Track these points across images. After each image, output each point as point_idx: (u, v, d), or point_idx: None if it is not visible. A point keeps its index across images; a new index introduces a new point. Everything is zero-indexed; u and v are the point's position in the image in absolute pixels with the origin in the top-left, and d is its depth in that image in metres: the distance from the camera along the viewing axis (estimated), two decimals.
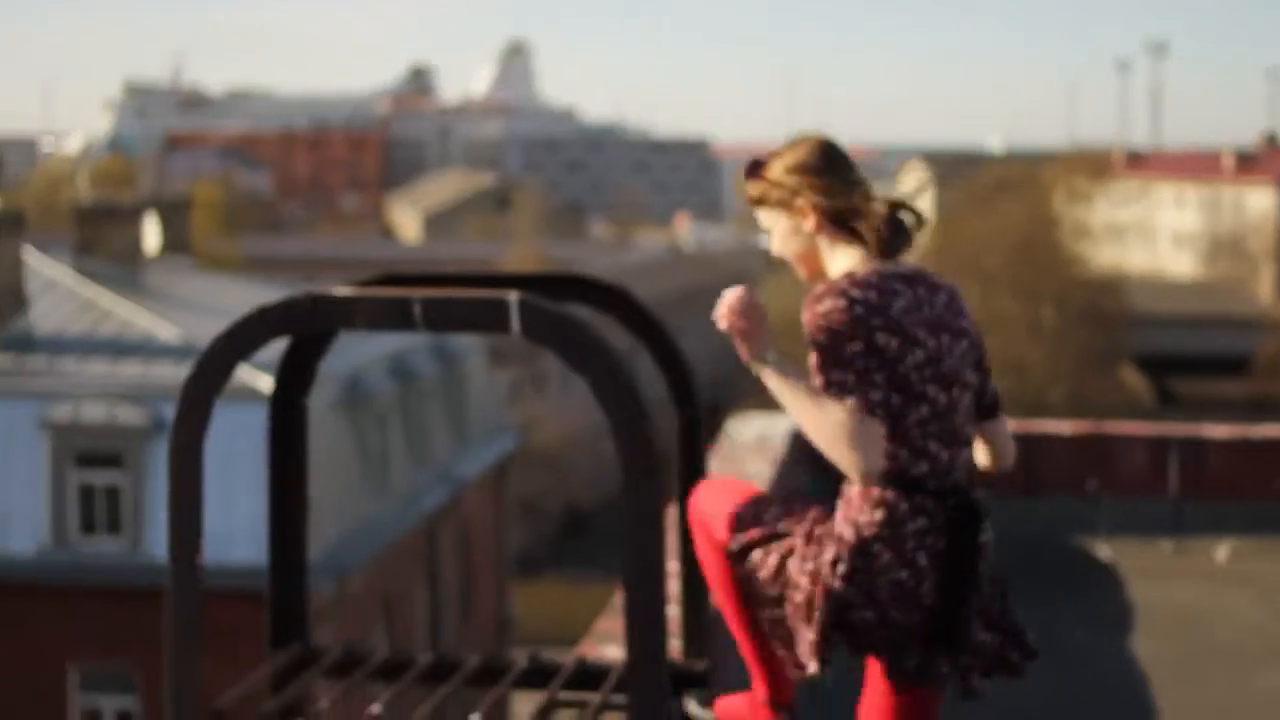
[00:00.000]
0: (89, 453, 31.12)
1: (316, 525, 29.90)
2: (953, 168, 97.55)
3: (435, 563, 37.40)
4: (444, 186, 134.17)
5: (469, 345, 41.68)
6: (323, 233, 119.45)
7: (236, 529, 28.99)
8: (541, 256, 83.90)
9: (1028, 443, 10.01)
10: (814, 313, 4.40)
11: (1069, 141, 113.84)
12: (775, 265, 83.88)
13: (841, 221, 4.61)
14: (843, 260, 4.60)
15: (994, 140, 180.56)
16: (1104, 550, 10.15)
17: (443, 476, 38.21)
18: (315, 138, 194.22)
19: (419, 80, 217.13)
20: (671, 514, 5.32)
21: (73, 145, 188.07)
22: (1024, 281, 62.71)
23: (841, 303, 4.39)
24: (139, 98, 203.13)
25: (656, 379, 5.22)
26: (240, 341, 4.58)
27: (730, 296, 4.51)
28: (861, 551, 4.38)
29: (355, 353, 34.10)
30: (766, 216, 4.73)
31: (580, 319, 4.60)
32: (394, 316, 4.55)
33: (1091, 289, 68.02)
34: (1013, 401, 57.22)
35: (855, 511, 4.45)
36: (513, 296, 4.46)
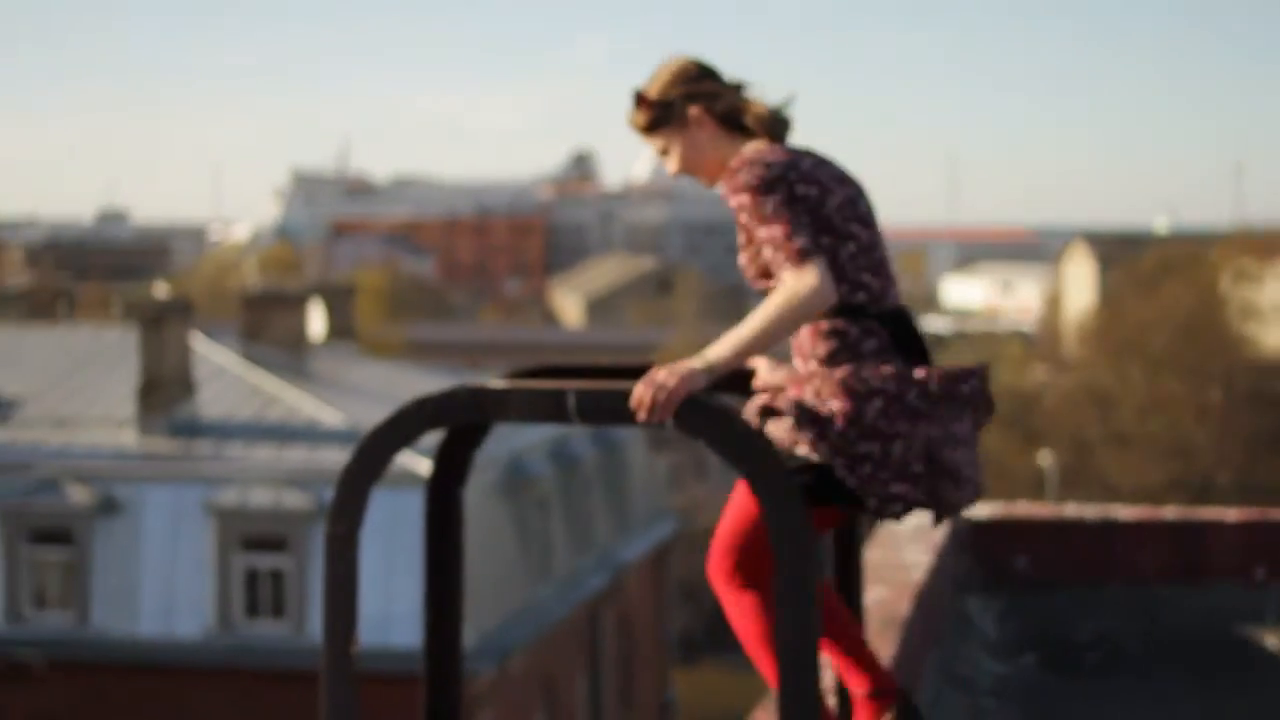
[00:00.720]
0: (254, 537, 31.45)
1: (477, 608, 30.01)
2: (1116, 249, 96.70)
3: (596, 646, 37.38)
4: (606, 271, 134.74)
5: (630, 430, 41.72)
6: (486, 318, 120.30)
7: (396, 612, 29.17)
8: (703, 340, 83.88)
9: (1191, 530, 9.87)
10: (734, 184, 4.73)
11: (1236, 221, 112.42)
12: (939, 348, 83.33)
13: (731, 119, 4.94)
14: (744, 152, 4.86)
15: (1159, 221, 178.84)
16: (1272, 641, 9.96)
17: (603, 560, 38.24)
18: (479, 223, 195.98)
19: (581, 165, 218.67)
20: None
21: (241, 233, 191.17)
22: (1190, 363, 61.86)
23: (757, 168, 4.72)
24: (306, 185, 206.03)
25: None
26: (397, 433, 4.61)
27: (640, 395, 4.47)
28: (838, 383, 4.58)
29: (516, 437, 34.27)
30: (661, 139, 4.99)
31: (733, 410, 4.59)
32: (548, 409, 4.56)
33: (1260, 370, 66.99)
34: (1180, 485, 56.48)
35: (810, 348, 4.74)
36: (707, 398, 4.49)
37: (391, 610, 29.24)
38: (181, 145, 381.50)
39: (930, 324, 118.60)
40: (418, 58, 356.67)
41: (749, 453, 4.43)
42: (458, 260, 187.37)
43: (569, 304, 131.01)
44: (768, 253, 4.67)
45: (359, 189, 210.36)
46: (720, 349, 4.55)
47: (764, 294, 4.80)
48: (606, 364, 5.19)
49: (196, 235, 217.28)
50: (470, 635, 30.23)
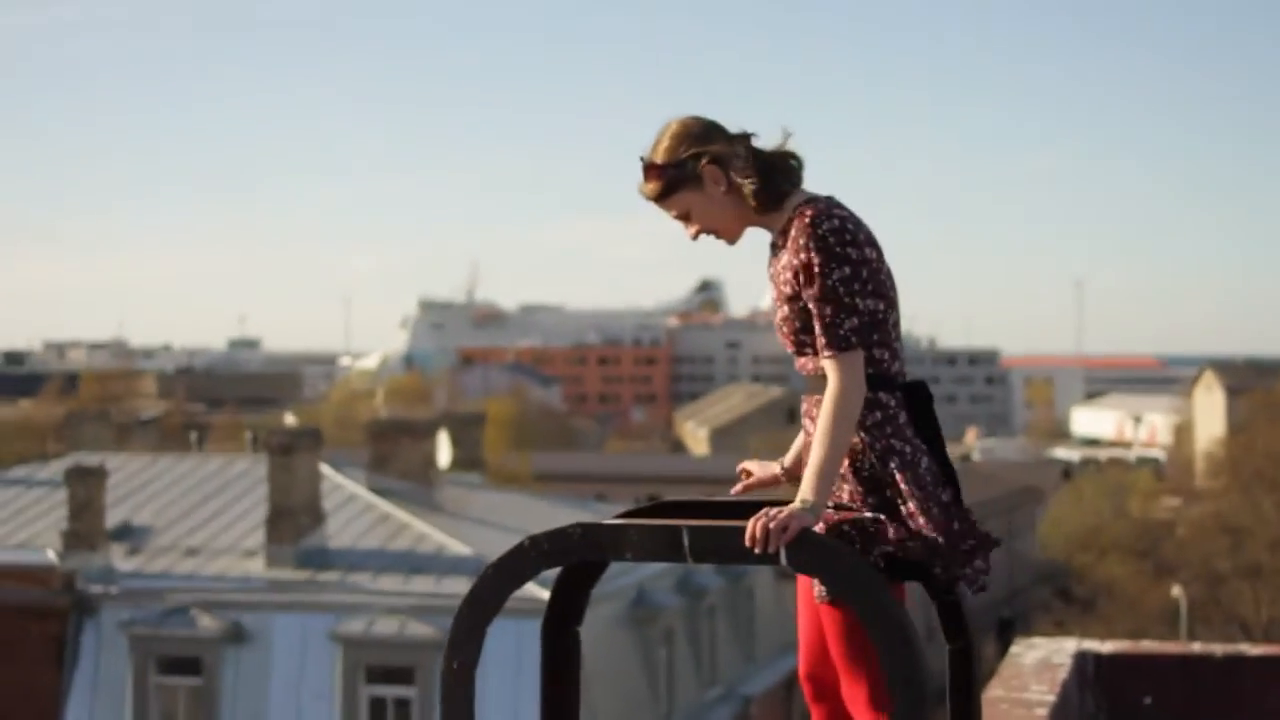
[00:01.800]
0: (380, 667, 31.52)
1: None
2: (1246, 378, 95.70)
3: None
4: (732, 400, 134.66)
5: None
6: (612, 447, 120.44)
7: None
8: None
9: None
10: (820, 232, 4.71)
11: None
12: (1068, 479, 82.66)
13: (749, 172, 4.87)
14: (764, 205, 4.88)
15: None
16: None
17: (729, 693, 38.03)
18: (605, 353, 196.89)
19: (707, 294, 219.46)
20: None
21: (370, 362, 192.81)
22: None
23: (843, 215, 4.75)
24: (434, 314, 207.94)
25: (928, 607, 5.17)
26: (513, 570, 4.66)
27: (758, 532, 4.49)
28: (885, 457, 4.74)
29: (642, 566, 34.23)
30: (676, 203, 4.93)
31: (841, 547, 4.60)
32: (663, 547, 4.60)
33: None
34: None
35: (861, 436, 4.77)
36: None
37: None
38: (313, 275, 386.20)
39: (1060, 454, 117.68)
40: (546, 187, 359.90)
41: (859, 587, 4.46)
42: (584, 389, 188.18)
43: (695, 433, 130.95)
44: (815, 321, 4.74)
45: (487, 318, 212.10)
46: (813, 487, 4.59)
47: (792, 353, 4.89)
48: (719, 499, 5.21)
49: (327, 364, 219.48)
50: None
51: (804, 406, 4.96)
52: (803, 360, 4.88)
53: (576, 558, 4.72)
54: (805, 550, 4.49)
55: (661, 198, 4.92)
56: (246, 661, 32.00)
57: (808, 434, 4.92)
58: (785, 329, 4.86)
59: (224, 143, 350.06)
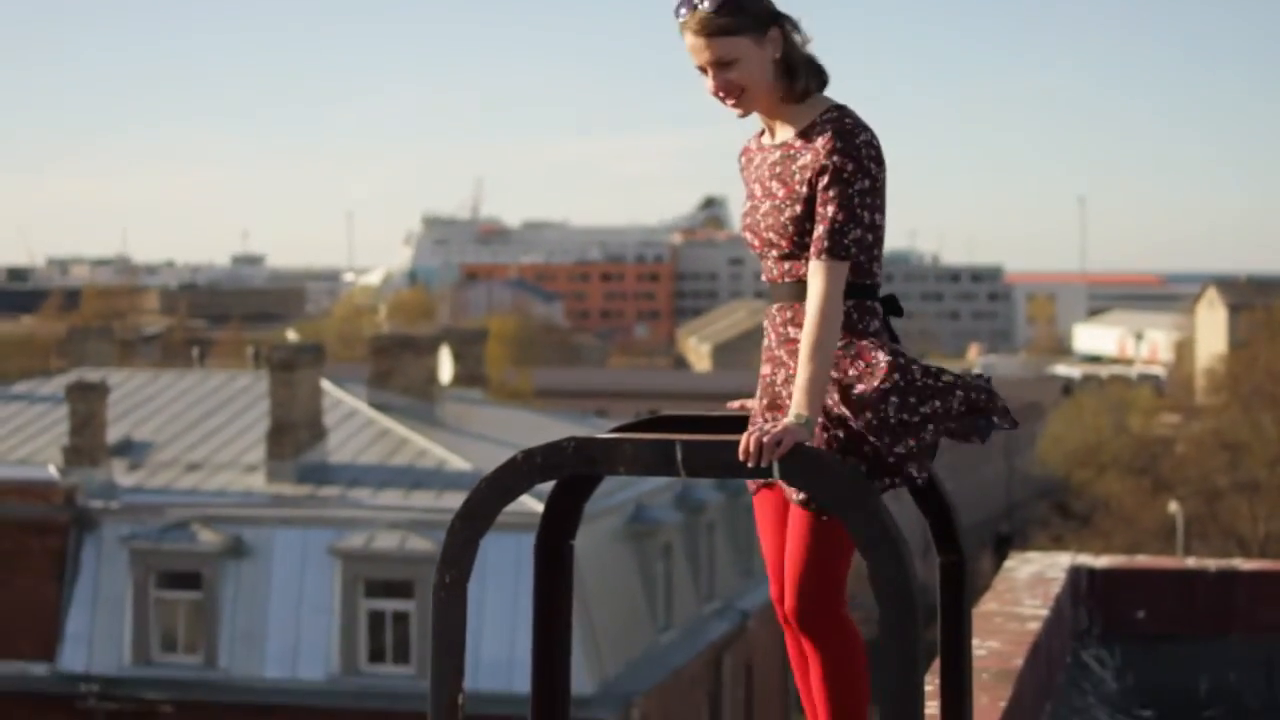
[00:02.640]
0: (380, 581, 31.65)
1: (600, 654, 30.03)
2: (1249, 295, 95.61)
3: (718, 694, 37.31)
4: (734, 316, 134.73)
5: None
6: (614, 363, 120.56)
7: (520, 658, 29.18)
8: None
9: None
10: (858, 141, 4.72)
11: None
12: (1068, 395, 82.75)
13: (790, 56, 4.84)
14: (793, 93, 4.84)
15: None
16: None
17: (727, 608, 38.18)
18: (609, 269, 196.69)
19: (711, 210, 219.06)
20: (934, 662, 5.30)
21: (373, 278, 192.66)
22: None
23: (870, 138, 4.75)
24: (438, 230, 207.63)
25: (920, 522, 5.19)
26: (505, 484, 4.67)
27: (751, 445, 4.51)
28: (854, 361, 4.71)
29: (641, 483, 34.30)
30: (730, 46, 4.77)
31: (831, 457, 4.62)
32: (656, 461, 4.61)
33: None
34: None
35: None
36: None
37: (515, 656, 29.32)
38: (316, 191, 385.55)
39: (1061, 370, 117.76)
40: (550, 103, 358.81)
41: (851, 497, 4.48)
42: (587, 306, 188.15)
43: (698, 349, 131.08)
44: (820, 223, 4.70)
45: (490, 234, 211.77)
46: (805, 400, 4.58)
47: (770, 254, 4.86)
48: (714, 414, 5.22)
49: (330, 280, 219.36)
50: (592, 681, 30.27)
51: (776, 319, 4.91)
52: (784, 265, 4.83)
53: (569, 472, 4.73)
54: (799, 463, 4.50)
55: (721, 33, 4.75)
56: (246, 576, 32.13)
57: (779, 347, 4.89)
58: (789, 228, 4.77)
59: (227, 59, 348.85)
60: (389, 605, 31.55)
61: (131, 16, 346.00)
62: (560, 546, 5.09)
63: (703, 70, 4.82)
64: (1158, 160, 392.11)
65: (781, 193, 4.81)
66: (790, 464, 4.49)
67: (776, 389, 4.87)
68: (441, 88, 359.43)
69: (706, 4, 4.74)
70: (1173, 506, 55.25)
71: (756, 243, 4.90)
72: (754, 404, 5.00)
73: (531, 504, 29.86)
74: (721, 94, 4.82)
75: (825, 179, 4.70)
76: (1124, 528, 56.83)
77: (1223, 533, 56.37)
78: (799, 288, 4.78)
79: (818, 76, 4.86)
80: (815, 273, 4.69)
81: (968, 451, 72.20)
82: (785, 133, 4.88)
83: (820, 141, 4.73)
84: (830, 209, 4.69)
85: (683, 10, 4.79)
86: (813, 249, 4.71)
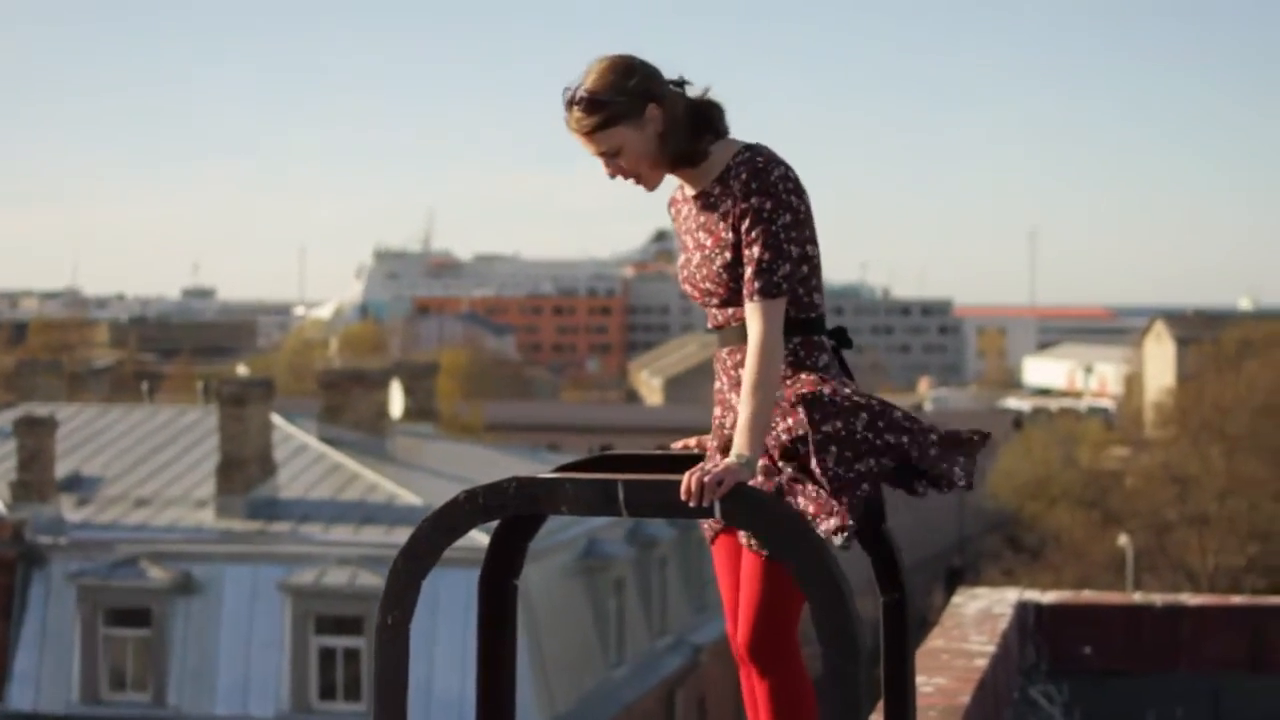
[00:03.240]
0: (331, 617, 31.54)
1: (552, 689, 29.98)
2: (1197, 328, 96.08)
3: None
4: (686, 349, 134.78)
5: None
6: (567, 397, 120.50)
7: (472, 695, 29.06)
8: None
9: (1259, 616, 9.82)
10: (773, 178, 4.74)
11: None
12: (1019, 429, 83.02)
13: (694, 116, 4.85)
14: (690, 156, 4.85)
15: (1243, 301, 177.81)
16: None
17: (680, 643, 38.15)
18: (560, 303, 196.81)
19: (662, 244, 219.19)
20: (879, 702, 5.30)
21: (324, 311, 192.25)
22: (1270, 444, 61.27)
23: (785, 172, 4.77)
24: (389, 263, 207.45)
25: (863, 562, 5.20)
26: (447, 525, 4.68)
27: (693, 486, 4.50)
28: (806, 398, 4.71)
29: (592, 518, 34.26)
30: (609, 138, 4.83)
31: (773, 498, 4.64)
32: (598, 501, 4.61)
33: None
34: (1260, 569, 55.89)
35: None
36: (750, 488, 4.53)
37: (467, 693, 29.21)
38: (268, 224, 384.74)
39: (1012, 403, 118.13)
40: (501, 137, 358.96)
41: (792, 537, 4.49)
42: (539, 339, 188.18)
43: (650, 383, 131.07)
44: (749, 265, 4.73)
45: (442, 267, 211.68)
46: (746, 441, 4.60)
47: (711, 302, 4.88)
48: (660, 453, 5.23)
49: (282, 313, 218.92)
50: (545, 716, 30.20)
51: (726, 362, 4.94)
52: (727, 311, 4.86)
53: (512, 511, 4.74)
54: (740, 504, 4.51)
55: (597, 130, 4.82)
56: (196, 612, 31.99)
57: (729, 391, 4.92)
58: (723, 275, 4.81)
59: (178, 90, 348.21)
60: (340, 642, 31.44)
61: (82, 48, 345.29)
62: (505, 586, 5.09)
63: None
64: (1107, 195, 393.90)
65: (709, 242, 4.86)
66: (731, 505, 4.50)
67: (726, 432, 4.91)
68: (393, 121, 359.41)
69: (576, 107, 4.83)
70: (1122, 540, 55.42)
71: (695, 294, 4.95)
72: (707, 444, 5.02)
73: (482, 539, 29.83)
74: (613, 178, 4.90)
75: (747, 221, 4.75)
76: (1074, 561, 56.97)
77: (1172, 565, 56.54)
78: (744, 330, 4.81)
79: (713, 128, 4.88)
80: (752, 314, 4.73)
81: None
82: (701, 184, 4.92)
83: (736, 185, 4.78)
84: (756, 250, 4.73)
85: (564, 113, 4.88)
86: (745, 291, 4.76)
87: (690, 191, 4.97)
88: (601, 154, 4.87)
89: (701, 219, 4.90)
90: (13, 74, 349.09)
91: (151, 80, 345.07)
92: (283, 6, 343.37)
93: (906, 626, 5.16)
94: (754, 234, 4.73)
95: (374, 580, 30.85)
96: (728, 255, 4.80)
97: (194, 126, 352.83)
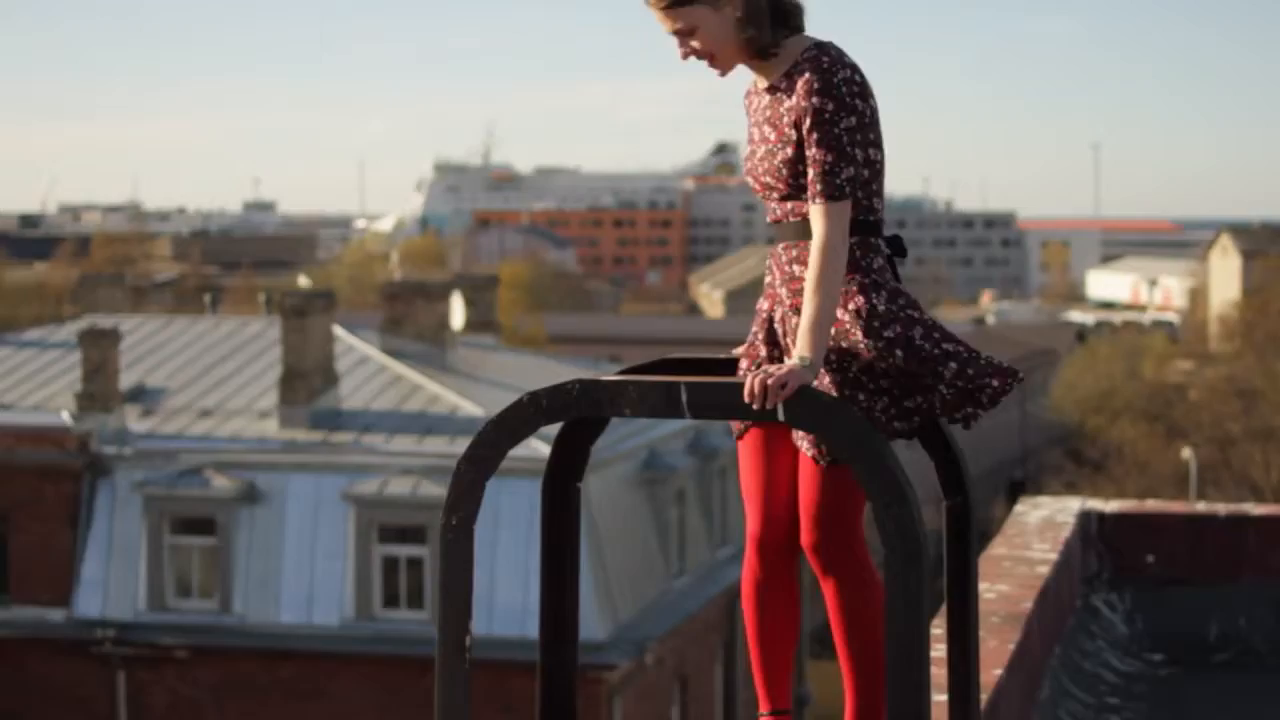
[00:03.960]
0: (393, 527, 31.70)
1: (612, 599, 30.10)
2: (1263, 242, 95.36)
3: (732, 639, 37.38)
4: (746, 262, 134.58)
5: None
6: (627, 309, 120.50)
7: (534, 605, 29.21)
8: None
9: None
10: (836, 79, 4.71)
11: None
12: (1082, 342, 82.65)
13: (753, 11, 4.81)
14: (763, 46, 4.83)
15: None
16: None
17: (741, 553, 38.21)
18: (621, 215, 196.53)
19: (723, 156, 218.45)
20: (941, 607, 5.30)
21: (385, 225, 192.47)
22: None
23: (851, 74, 4.74)
24: (449, 177, 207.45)
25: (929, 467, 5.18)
26: (510, 427, 4.66)
27: (755, 387, 4.49)
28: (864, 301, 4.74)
29: (654, 428, 34.32)
30: (687, 15, 4.79)
31: (839, 401, 4.62)
32: (661, 403, 4.59)
33: None
34: None
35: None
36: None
37: (529, 602, 29.38)
38: (327, 137, 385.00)
39: (1075, 317, 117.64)
40: (561, 49, 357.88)
41: (857, 440, 4.47)
42: (600, 252, 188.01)
43: (710, 295, 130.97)
44: (812, 167, 4.72)
45: (502, 180, 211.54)
46: (809, 342, 4.59)
47: (772, 196, 4.86)
48: (720, 356, 5.21)
49: (342, 226, 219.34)
50: (607, 627, 30.35)
51: (781, 258, 4.90)
52: (786, 205, 4.84)
53: (575, 414, 4.72)
54: (803, 406, 4.49)
55: (676, 4, 4.79)
56: (260, 522, 32.20)
57: (781, 285, 4.90)
58: (783, 171, 4.79)
59: (234, 7, 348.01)
60: (402, 551, 31.61)
61: None
62: (568, 488, 5.09)
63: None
64: (1171, 107, 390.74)
65: (773, 136, 4.84)
66: (795, 407, 4.48)
67: (774, 325, 4.92)
68: (451, 32, 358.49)
69: None
70: (1186, 453, 55.24)
71: (757, 187, 4.93)
72: (751, 342, 5.01)
73: (545, 450, 29.91)
74: (686, 59, 4.87)
75: (809, 121, 4.72)
76: (1137, 474, 56.83)
77: (1236, 480, 56.33)
78: (803, 226, 4.80)
79: (787, 21, 4.85)
80: (815, 216, 4.71)
81: None
82: (771, 77, 4.89)
83: (800, 83, 4.75)
84: (819, 151, 4.71)
85: None
86: (809, 193, 4.74)
87: (762, 84, 4.94)
88: (676, 31, 4.83)
89: (768, 113, 4.87)
90: None
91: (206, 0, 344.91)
92: None
93: (970, 531, 5.14)
94: (816, 135, 4.71)
95: (436, 490, 30.95)
96: (789, 151, 4.78)
97: (253, 41, 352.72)
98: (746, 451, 5.03)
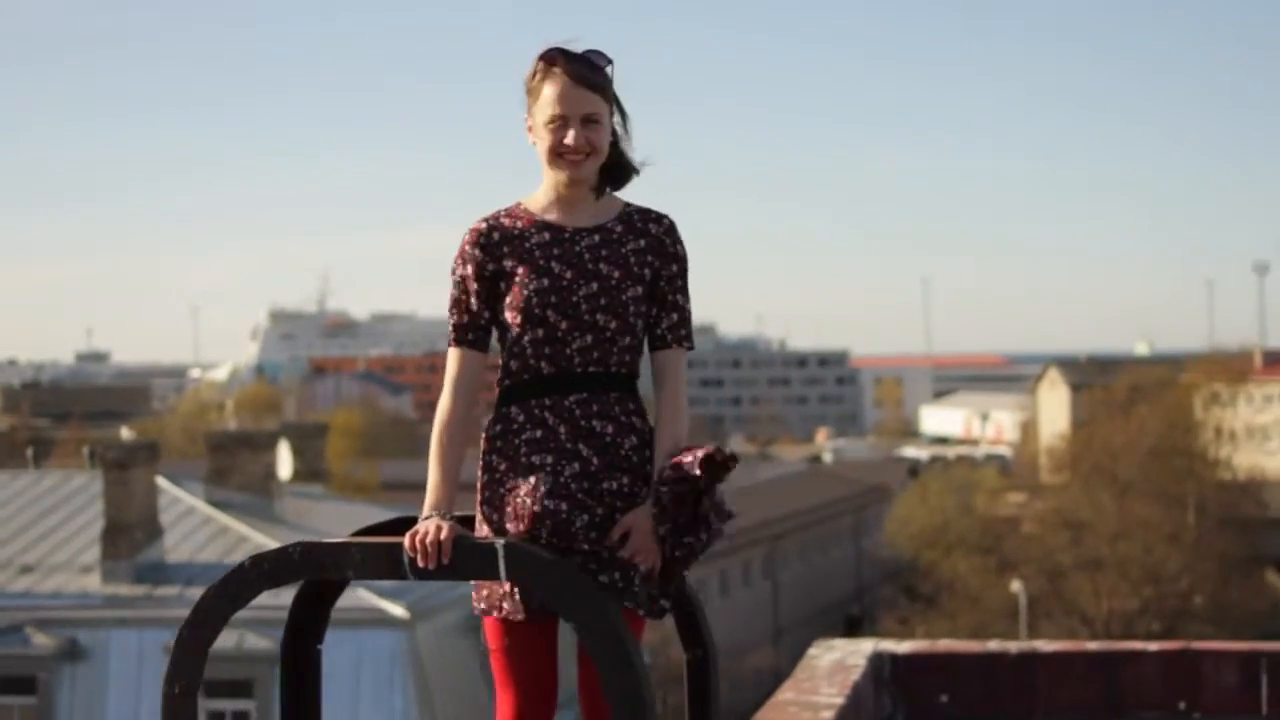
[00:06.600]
0: (219, 680, 31.21)
1: None
2: (1090, 374, 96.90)
3: None
4: None
5: None
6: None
7: None
8: None
9: (1113, 662, 9.88)
10: (676, 239, 4.88)
11: (1209, 343, 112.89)
12: (915, 477, 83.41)
13: (616, 140, 4.94)
14: (616, 177, 4.94)
15: (1139, 346, 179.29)
16: None
17: (569, 700, 38.01)
18: None
19: None
20: None
21: (220, 373, 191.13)
22: (1162, 487, 61.82)
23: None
24: (284, 324, 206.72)
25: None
26: (233, 592, 4.62)
27: (635, 554, 4.58)
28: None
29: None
30: (602, 107, 4.81)
31: (566, 564, 4.59)
32: (384, 565, 4.57)
33: (1232, 492, 67.01)
34: (1154, 612, 56.29)
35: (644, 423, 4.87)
36: (499, 542, 4.47)
37: None
38: (161, 285, 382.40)
39: (909, 452, 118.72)
40: (394, 195, 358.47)
41: (580, 605, 4.43)
42: (435, 397, 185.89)
43: None
44: (674, 312, 4.83)
45: (338, 327, 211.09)
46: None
47: (584, 338, 4.84)
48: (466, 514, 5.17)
49: (177, 376, 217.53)
50: None
51: (577, 412, 4.95)
52: (607, 349, 4.82)
53: (297, 576, 4.68)
54: (525, 564, 4.46)
55: (600, 90, 4.77)
56: (83, 679, 31.60)
57: (572, 441, 4.92)
58: (629, 308, 4.77)
59: (64, 151, 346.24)
60: (228, 705, 31.11)
61: None
62: (307, 650, 5.03)
63: (558, 121, 4.77)
64: (1000, 241, 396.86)
65: (617, 274, 4.78)
66: (517, 566, 4.45)
67: (600, 487, 4.81)
68: (285, 179, 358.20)
69: (600, 57, 4.81)
70: (1015, 586, 55.68)
71: (565, 325, 4.83)
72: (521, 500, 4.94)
73: (370, 599, 29.65)
74: (575, 150, 4.77)
75: (675, 268, 4.83)
76: (970, 608, 57.19)
77: (1066, 610, 56.87)
78: (608, 379, 4.80)
79: (628, 175, 4.91)
80: (675, 361, 4.82)
81: (818, 533, 72.50)
82: (595, 216, 4.87)
83: (655, 230, 4.83)
84: (682, 299, 4.83)
85: (566, 64, 4.79)
86: (670, 337, 4.82)
87: (575, 220, 4.88)
88: (587, 115, 4.78)
89: (603, 251, 4.81)
90: None
91: (38, 141, 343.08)
92: (170, 57, 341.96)
93: (711, 685, 5.13)
94: (679, 283, 4.84)
95: (262, 643, 30.54)
96: (638, 290, 4.79)
97: (86, 188, 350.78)
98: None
